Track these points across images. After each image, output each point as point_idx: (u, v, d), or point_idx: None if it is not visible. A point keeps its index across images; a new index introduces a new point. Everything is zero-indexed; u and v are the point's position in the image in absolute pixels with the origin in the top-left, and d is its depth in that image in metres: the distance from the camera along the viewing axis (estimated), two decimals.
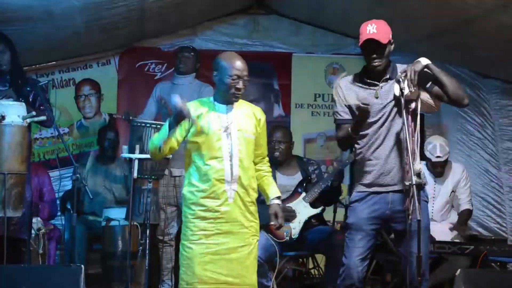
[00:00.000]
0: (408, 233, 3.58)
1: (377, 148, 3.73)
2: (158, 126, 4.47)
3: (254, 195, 3.77)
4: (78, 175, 4.50)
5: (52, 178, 6.08)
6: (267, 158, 3.96)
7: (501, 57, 5.55)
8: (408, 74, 3.57)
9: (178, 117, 3.49)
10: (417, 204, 3.41)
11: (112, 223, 5.03)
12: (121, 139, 5.95)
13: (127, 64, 6.58)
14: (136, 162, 4.61)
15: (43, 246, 5.04)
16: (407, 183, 3.54)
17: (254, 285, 3.73)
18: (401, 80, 3.57)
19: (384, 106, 3.70)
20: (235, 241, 3.66)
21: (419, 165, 3.56)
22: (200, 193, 3.64)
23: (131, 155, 4.64)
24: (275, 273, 4.86)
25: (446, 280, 4.91)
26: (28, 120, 4.12)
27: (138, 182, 4.77)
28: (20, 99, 4.35)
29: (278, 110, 6.83)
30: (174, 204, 5.31)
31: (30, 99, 4.43)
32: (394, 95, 3.64)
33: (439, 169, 5.28)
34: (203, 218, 3.64)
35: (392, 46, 3.69)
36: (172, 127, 3.52)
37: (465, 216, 5.41)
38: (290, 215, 4.87)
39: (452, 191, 5.39)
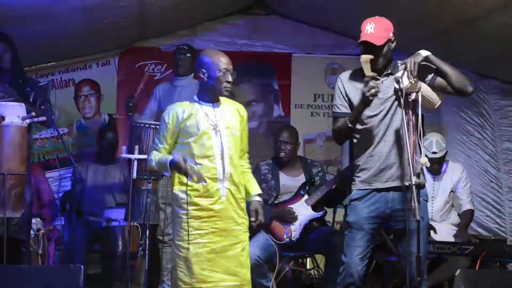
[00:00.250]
0: (407, 233, 3.58)
1: (377, 143, 3.71)
2: (158, 127, 4.47)
3: (243, 192, 3.83)
4: (77, 176, 4.51)
5: (52, 179, 6.09)
6: (247, 155, 3.98)
7: (500, 57, 5.55)
8: (408, 65, 3.57)
9: (179, 172, 3.65)
10: (416, 204, 3.40)
11: (112, 223, 5.03)
12: (120, 139, 5.95)
13: (127, 64, 6.58)
14: (136, 163, 4.61)
15: (43, 247, 5.04)
16: (406, 183, 3.53)
17: (249, 280, 3.78)
18: (400, 80, 3.56)
19: (385, 101, 3.68)
20: (229, 238, 3.70)
21: (425, 159, 3.54)
22: (194, 192, 3.67)
23: (130, 156, 4.64)
24: (275, 273, 4.86)
25: (445, 280, 4.91)
26: (28, 121, 4.11)
27: (138, 183, 4.78)
28: (21, 97, 4.35)
29: (277, 111, 6.83)
30: None
31: (31, 100, 4.43)
32: (395, 89, 3.63)
33: (435, 166, 5.26)
34: (198, 218, 3.66)
35: (393, 44, 3.68)
36: (169, 169, 3.67)
37: (468, 217, 5.40)
38: (291, 217, 4.87)
39: (452, 191, 5.38)
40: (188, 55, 5.42)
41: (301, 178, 5.05)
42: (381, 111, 3.69)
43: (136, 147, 4.63)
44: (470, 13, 4.74)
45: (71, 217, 4.91)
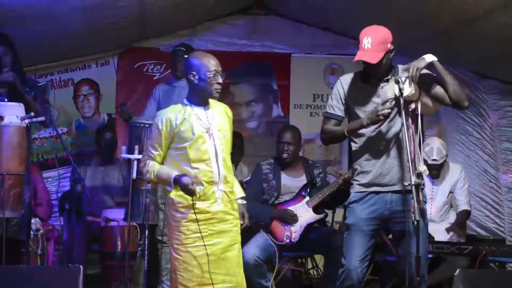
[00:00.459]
0: (407, 234, 3.58)
1: (376, 147, 3.72)
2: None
3: (235, 193, 3.84)
4: (77, 176, 4.51)
5: (50, 179, 6.09)
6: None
7: (500, 58, 5.56)
8: (410, 71, 3.57)
9: (183, 191, 3.61)
10: (416, 204, 3.40)
11: (111, 223, 5.03)
12: (120, 139, 5.95)
13: (126, 64, 6.58)
14: (135, 163, 4.60)
15: (42, 247, 5.03)
16: (406, 184, 3.53)
17: (244, 279, 3.79)
18: (400, 80, 3.56)
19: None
20: (227, 239, 3.70)
21: (424, 167, 3.55)
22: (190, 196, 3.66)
23: (130, 156, 4.64)
24: (274, 273, 4.86)
25: (445, 280, 4.90)
26: (27, 121, 4.11)
27: (137, 183, 4.76)
28: (24, 88, 4.35)
29: (277, 111, 6.83)
30: None
31: (30, 100, 4.42)
32: (395, 95, 3.63)
33: (434, 172, 5.27)
34: (196, 221, 3.64)
35: (392, 53, 3.67)
36: (171, 184, 3.64)
37: (463, 217, 5.40)
38: (291, 219, 4.87)
39: (450, 191, 5.38)
40: (185, 56, 5.41)
41: (303, 179, 5.04)
42: None
43: (136, 147, 4.63)
44: (470, 13, 4.74)
45: (70, 217, 4.91)
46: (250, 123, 6.81)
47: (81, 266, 3.85)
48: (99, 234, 5.14)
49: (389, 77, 3.70)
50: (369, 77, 3.73)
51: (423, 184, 3.71)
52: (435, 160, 5.18)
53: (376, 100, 3.70)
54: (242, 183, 5.29)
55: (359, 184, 3.78)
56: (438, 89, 3.67)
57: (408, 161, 3.50)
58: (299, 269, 5.78)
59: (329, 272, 4.70)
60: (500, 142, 6.42)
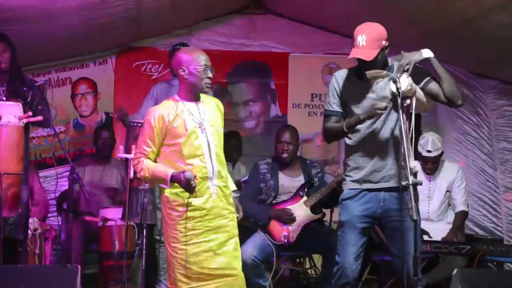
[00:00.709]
0: (402, 232, 3.58)
1: (370, 144, 3.72)
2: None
3: (229, 187, 3.84)
4: (75, 175, 4.50)
5: (48, 178, 6.08)
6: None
7: (498, 57, 5.56)
8: (403, 61, 3.57)
9: (184, 188, 3.59)
10: (413, 203, 3.39)
11: (109, 223, 5.03)
12: (118, 138, 5.94)
13: (123, 63, 6.57)
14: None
15: (40, 247, 5.02)
16: (403, 183, 3.53)
17: (241, 270, 3.79)
18: (397, 80, 3.56)
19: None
20: (224, 235, 3.72)
21: (414, 163, 3.54)
22: (185, 193, 3.65)
23: (128, 155, 4.63)
24: (272, 273, 4.86)
25: (443, 280, 4.91)
26: (25, 120, 4.10)
27: (135, 182, 4.76)
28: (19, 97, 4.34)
29: (275, 110, 6.83)
30: None
31: (28, 99, 4.42)
32: (391, 92, 3.63)
33: (429, 166, 5.26)
34: (191, 218, 3.65)
35: (387, 50, 3.68)
36: (168, 183, 3.62)
37: (461, 218, 5.38)
38: (289, 219, 4.87)
39: (448, 191, 5.38)
40: None
41: (300, 179, 5.05)
42: None
43: (133, 146, 4.61)
44: (467, 13, 4.74)
45: (68, 216, 4.90)
46: (248, 122, 6.81)
47: (79, 266, 3.85)
48: (97, 234, 5.13)
49: (383, 72, 3.70)
50: (364, 74, 3.73)
51: (421, 183, 3.72)
52: (429, 151, 5.16)
53: (371, 96, 3.71)
54: (240, 183, 5.30)
55: (352, 181, 3.78)
56: (433, 85, 3.68)
57: (403, 158, 3.50)
58: (297, 268, 5.79)
59: (327, 272, 4.70)
60: (498, 142, 6.42)
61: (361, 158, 3.75)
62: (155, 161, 3.74)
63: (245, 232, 4.60)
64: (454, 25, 5.08)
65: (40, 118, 4.21)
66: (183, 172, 3.56)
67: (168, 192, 3.69)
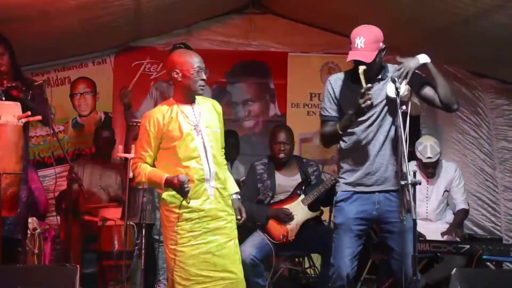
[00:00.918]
0: (399, 233, 3.58)
1: (365, 147, 3.71)
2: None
3: (228, 188, 3.83)
4: (74, 175, 4.50)
5: (47, 177, 6.08)
6: (223, 150, 3.94)
7: (497, 57, 5.56)
8: (402, 69, 3.57)
9: (177, 191, 3.58)
10: (412, 203, 3.39)
11: (108, 223, 5.03)
12: (117, 138, 5.94)
13: (122, 63, 6.57)
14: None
15: (39, 246, 5.02)
16: (402, 183, 3.53)
17: (241, 273, 3.78)
18: (396, 79, 3.56)
19: (375, 106, 3.67)
20: (222, 236, 3.70)
21: (412, 166, 3.54)
22: None
23: (127, 155, 4.63)
24: (271, 273, 4.87)
25: (442, 279, 4.91)
26: (24, 120, 4.10)
27: (134, 182, 4.75)
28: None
29: (274, 110, 6.83)
30: None
31: (27, 99, 4.42)
32: (387, 95, 3.63)
33: (430, 170, 5.28)
34: (189, 220, 3.65)
35: (384, 52, 3.67)
36: (163, 187, 3.62)
37: (461, 216, 5.40)
38: (287, 218, 4.87)
39: (446, 190, 5.38)
40: None
41: (297, 178, 5.05)
42: (370, 116, 3.69)
43: (133, 146, 4.61)
44: (466, 13, 4.74)
45: (67, 216, 4.90)
46: (247, 122, 6.81)
47: (78, 266, 3.85)
48: (96, 234, 5.13)
49: (379, 76, 3.70)
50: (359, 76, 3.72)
51: (420, 183, 3.72)
52: (429, 158, 5.18)
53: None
54: (238, 182, 5.30)
55: (346, 183, 3.77)
56: (428, 90, 3.68)
57: (401, 160, 3.50)
58: (296, 268, 5.79)
59: (326, 271, 4.66)
60: (497, 141, 6.42)
61: (356, 161, 3.74)
62: (153, 165, 3.74)
63: (244, 231, 4.61)
64: (453, 25, 5.08)
65: (39, 117, 4.20)
66: (177, 176, 3.56)
67: (165, 194, 3.68)
